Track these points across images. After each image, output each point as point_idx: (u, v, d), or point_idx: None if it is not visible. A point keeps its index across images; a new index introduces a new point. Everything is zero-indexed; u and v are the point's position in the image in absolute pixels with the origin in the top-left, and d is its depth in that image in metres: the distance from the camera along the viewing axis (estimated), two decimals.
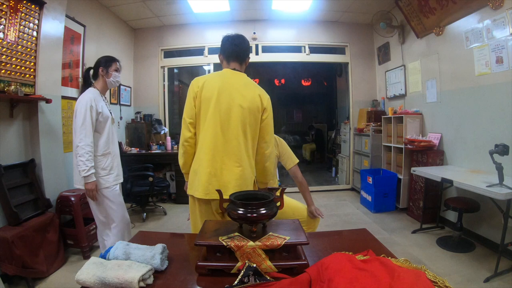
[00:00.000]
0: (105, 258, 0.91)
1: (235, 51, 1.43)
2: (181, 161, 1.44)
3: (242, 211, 0.91)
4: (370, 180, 3.72)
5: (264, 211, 0.91)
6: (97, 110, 1.90)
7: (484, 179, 2.26)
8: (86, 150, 1.82)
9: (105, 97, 2.06)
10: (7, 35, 2.16)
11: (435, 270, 0.85)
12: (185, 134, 1.38)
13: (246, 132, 1.35)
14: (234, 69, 1.43)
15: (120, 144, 3.51)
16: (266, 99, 1.41)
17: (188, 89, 1.40)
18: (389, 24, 3.93)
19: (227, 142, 1.33)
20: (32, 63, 2.40)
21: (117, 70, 2.06)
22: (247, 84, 1.41)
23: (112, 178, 2.01)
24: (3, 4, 2.11)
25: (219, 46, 1.47)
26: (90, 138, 1.85)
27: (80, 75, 3.08)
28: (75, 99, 1.94)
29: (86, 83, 2.03)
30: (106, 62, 2.01)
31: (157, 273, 0.88)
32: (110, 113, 2.03)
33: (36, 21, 2.42)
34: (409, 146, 3.37)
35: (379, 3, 3.88)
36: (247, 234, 0.93)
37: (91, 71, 2.05)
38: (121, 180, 2.11)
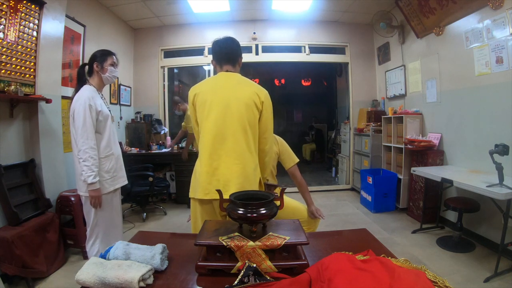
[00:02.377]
0: (105, 258, 0.91)
1: (225, 53, 1.43)
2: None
3: (242, 211, 0.91)
4: (370, 180, 3.72)
5: (264, 211, 0.91)
6: (96, 109, 1.75)
7: (484, 179, 2.26)
8: (90, 154, 1.69)
9: (102, 94, 1.91)
10: (7, 35, 2.16)
11: (435, 270, 0.85)
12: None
13: (245, 129, 1.34)
14: (227, 71, 1.43)
15: (120, 144, 3.50)
16: (264, 94, 1.40)
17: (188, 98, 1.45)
18: (389, 24, 3.93)
19: (225, 141, 1.32)
20: (32, 63, 2.40)
21: (113, 65, 1.89)
22: (241, 82, 1.41)
23: (117, 181, 1.89)
24: (3, 4, 2.11)
25: None
26: (93, 141, 1.72)
27: None
28: None
29: (80, 81, 1.85)
30: (101, 56, 1.85)
31: (157, 273, 0.88)
32: (109, 111, 1.89)
33: (36, 21, 2.42)
34: (409, 146, 3.37)
35: (379, 3, 3.88)
36: (247, 234, 0.93)
37: (86, 67, 1.88)
38: (126, 182, 2.00)
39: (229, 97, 1.34)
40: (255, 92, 1.37)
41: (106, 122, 1.84)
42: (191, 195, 1.39)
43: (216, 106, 1.33)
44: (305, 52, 4.71)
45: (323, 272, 0.76)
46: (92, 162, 1.70)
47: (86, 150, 1.69)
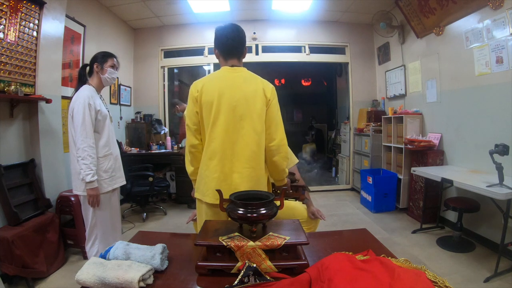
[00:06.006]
0: (105, 258, 0.91)
1: (233, 47, 1.35)
2: (189, 168, 1.38)
3: (242, 211, 0.91)
4: (370, 180, 3.72)
5: (264, 211, 0.91)
6: (95, 108, 1.76)
7: (484, 179, 2.26)
8: (88, 153, 1.69)
9: (101, 95, 1.93)
10: (7, 35, 2.16)
11: (435, 270, 0.85)
12: (191, 141, 1.34)
13: (255, 128, 1.29)
14: (232, 65, 1.36)
15: (120, 144, 3.50)
16: (270, 90, 1.33)
17: (188, 94, 1.35)
18: (389, 24, 3.92)
19: (234, 144, 1.29)
20: (32, 63, 2.40)
21: (113, 67, 1.91)
22: (247, 79, 1.34)
23: (115, 181, 1.89)
24: (3, 4, 2.11)
25: None
26: (92, 139, 1.72)
27: None
28: None
29: (81, 81, 1.88)
30: (102, 58, 1.87)
31: (157, 273, 0.88)
32: (108, 111, 1.91)
33: (36, 21, 2.42)
34: (409, 146, 3.37)
35: (379, 3, 3.88)
36: (247, 234, 0.93)
37: (87, 68, 1.91)
38: (124, 183, 2.00)
39: (237, 98, 1.29)
40: (262, 89, 1.32)
41: (105, 121, 1.85)
42: (197, 196, 1.36)
43: (224, 109, 1.28)
44: (305, 52, 4.71)
45: (323, 272, 0.76)
46: (90, 160, 1.70)
47: (84, 148, 1.69)
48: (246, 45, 1.43)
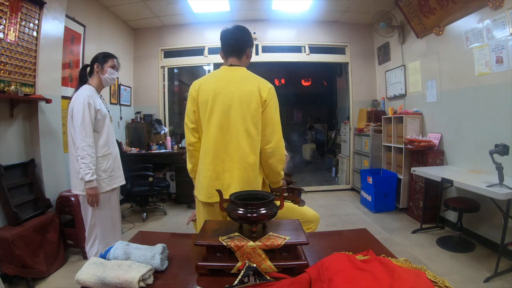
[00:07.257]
0: (105, 258, 0.91)
1: (231, 45, 1.36)
2: (189, 166, 1.44)
3: (242, 211, 0.91)
4: (370, 180, 3.72)
5: (264, 211, 0.91)
6: (95, 108, 1.77)
7: (484, 179, 2.26)
8: (88, 152, 1.70)
9: (101, 95, 1.93)
10: (7, 35, 2.16)
11: (435, 270, 0.85)
12: (189, 139, 1.39)
13: (249, 130, 1.28)
14: (231, 64, 1.36)
15: (120, 144, 3.50)
16: (267, 90, 1.30)
17: (188, 93, 1.39)
18: (389, 24, 3.92)
19: (227, 144, 1.29)
20: (32, 63, 2.40)
21: (113, 67, 1.92)
22: (244, 78, 1.33)
23: (114, 180, 1.90)
24: (3, 4, 2.11)
25: (219, 45, 1.41)
26: (91, 138, 1.73)
27: None
28: None
29: (81, 81, 1.89)
30: (103, 58, 1.89)
31: (157, 273, 0.88)
32: (108, 111, 1.91)
33: (36, 21, 2.42)
34: (409, 146, 3.37)
35: (379, 3, 3.88)
36: (247, 234, 0.93)
37: (88, 68, 1.92)
38: (123, 182, 2.00)
39: (232, 98, 1.28)
40: (258, 90, 1.28)
41: (104, 121, 1.86)
42: (195, 193, 1.40)
43: (218, 109, 1.29)
44: (305, 52, 4.71)
45: (323, 272, 0.76)
46: (89, 159, 1.70)
47: (84, 147, 1.70)
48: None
